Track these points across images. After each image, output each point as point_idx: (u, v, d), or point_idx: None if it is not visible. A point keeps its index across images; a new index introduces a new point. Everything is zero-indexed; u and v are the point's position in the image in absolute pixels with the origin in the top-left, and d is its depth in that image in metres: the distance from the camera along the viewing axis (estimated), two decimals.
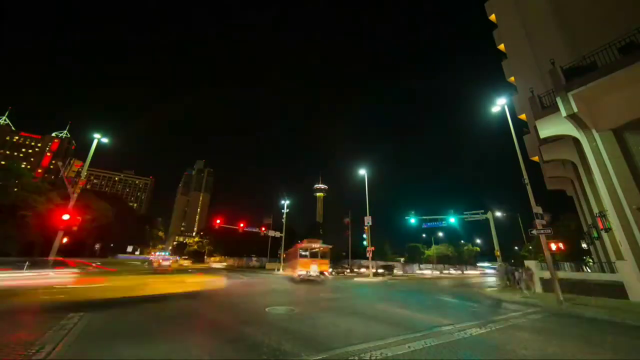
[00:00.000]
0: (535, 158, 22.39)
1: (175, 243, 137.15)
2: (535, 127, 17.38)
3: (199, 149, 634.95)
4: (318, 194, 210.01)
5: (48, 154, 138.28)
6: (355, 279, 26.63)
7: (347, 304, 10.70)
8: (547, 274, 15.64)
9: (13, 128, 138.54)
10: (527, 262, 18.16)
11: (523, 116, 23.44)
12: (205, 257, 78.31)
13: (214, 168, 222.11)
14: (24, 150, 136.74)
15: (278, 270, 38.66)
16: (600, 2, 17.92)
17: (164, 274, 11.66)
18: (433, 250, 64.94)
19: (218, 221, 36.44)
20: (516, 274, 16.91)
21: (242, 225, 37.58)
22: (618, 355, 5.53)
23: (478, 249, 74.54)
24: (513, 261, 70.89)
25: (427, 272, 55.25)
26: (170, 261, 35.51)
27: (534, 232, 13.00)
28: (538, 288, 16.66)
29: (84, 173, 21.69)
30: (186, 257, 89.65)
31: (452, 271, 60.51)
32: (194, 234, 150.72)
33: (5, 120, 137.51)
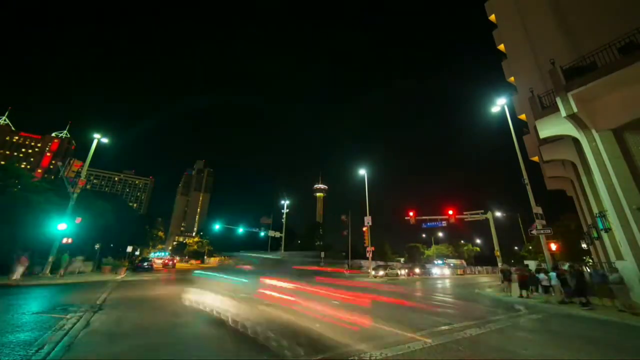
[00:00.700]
0: (535, 158, 22.39)
1: (175, 243, 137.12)
2: (535, 127, 17.37)
3: (199, 148, 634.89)
4: (318, 194, 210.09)
5: (48, 154, 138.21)
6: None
7: None
8: None
9: (13, 128, 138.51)
10: (526, 262, 18.20)
11: (523, 116, 23.43)
12: (205, 257, 78.36)
13: (213, 168, 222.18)
14: (24, 150, 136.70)
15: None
16: (600, 2, 17.91)
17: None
18: (433, 250, 64.95)
19: (217, 227, 36.39)
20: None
21: (242, 226, 37.59)
22: (619, 356, 5.53)
23: (478, 249, 74.56)
24: (513, 261, 71.07)
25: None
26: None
27: (534, 232, 13.02)
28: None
29: (84, 173, 21.71)
30: (187, 257, 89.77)
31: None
32: (194, 234, 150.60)
33: (5, 120, 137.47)
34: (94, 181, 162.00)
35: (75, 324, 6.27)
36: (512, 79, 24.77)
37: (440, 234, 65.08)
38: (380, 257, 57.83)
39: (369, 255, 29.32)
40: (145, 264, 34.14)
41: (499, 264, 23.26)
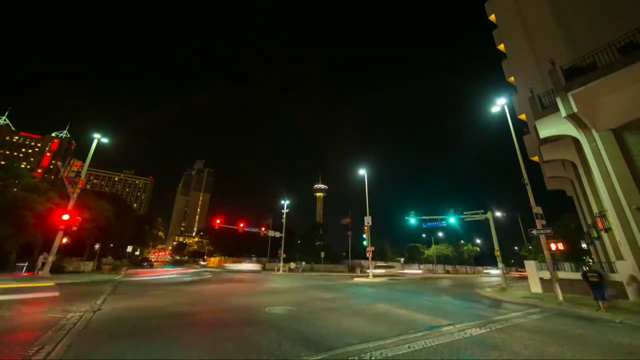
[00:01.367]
0: (535, 158, 22.41)
1: (175, 243, 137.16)
2: (535, 127, 17.38)
3: (199, 148, 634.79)
4: (318, 194, 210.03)
5: (48, 154, 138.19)
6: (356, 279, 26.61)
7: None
8: (547, 274, 15.66)
9: (13, 128, 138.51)
10: (526, 262, 18.19)
11: (523, 116, 23.44)
12: (205, 257, 78.31)
13: (213, 168, 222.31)
14: (24, 150, 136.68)
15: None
16: (600, 2, 17.92)
17: None
18: (433, 250, 64.89)
19: (218, 221, 36.39)
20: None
21: (241, 225, 37.54)
22: (619, 356, 5.52)
23: (478, 249, 74.51)
24: (513, 261, 71.08)
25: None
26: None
27: (534, 232, 13.02)
28: (537, 288, 16.67)
29: (83, 173, 21.69)
30: (186, 257, 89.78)
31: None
32: (194, 234, 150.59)
33: (5, 120, 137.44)
34: (94, 181, 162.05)
35: (75, 323, 6.27)
36: (512, 79, 24.78)
37: (440, 234, 65.10)
38: (381, 257, 57.84)
39: (369, 255, 29.31)
40: (145, 264, 34.15)
41: (499, 264, 23.26)
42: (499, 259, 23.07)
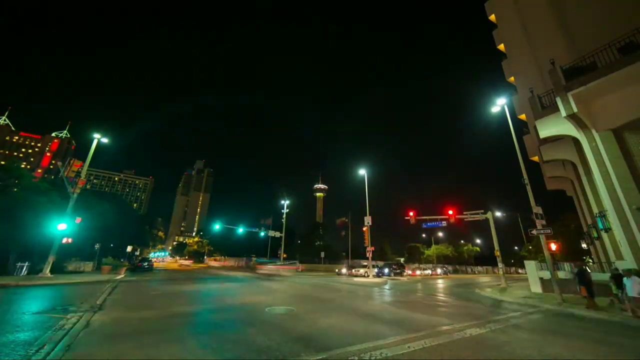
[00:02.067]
0: (535, 158, 22.39)
1: (175, 243, 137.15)
2: (535, 127, 17.37)
3: (199, 148, 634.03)
4: (318, 194, 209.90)
5: (48, 154, 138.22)
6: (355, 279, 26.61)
7: None
8: (547, 274, 15.66)
9: (13, 128, 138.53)
10: (526, 262, 18.18)
11: (523, 116, 23.43)
12: (205, 257, 78.34)
13: (213, 168, 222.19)
14: (24, 150, 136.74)
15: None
16: (600, 2, 17.91)
17: None
18: (433, 250, 64.91)
19: (217, 227, 36.29)
20: None
21: (242, 226, 37.55)
22: (619, 355, 5.52)
23: (478, 249, 74.52)
24: (513, 261, 71.02)
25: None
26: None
27: (534, 232, 13.02)
28: (537, 288, 16.66)
29: (83, 173, 21.69)
30: (186, 257, 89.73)
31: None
32: (193, 234, 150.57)
33: (5, 120, 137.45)
34: (94, 181, 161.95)
35: (75, 323, 6.27)
36: (512, 79, 24.76)
37: (440, 234, 65.12)
38: (381, 257, 57.80)
39: (369, 255, 29.32)
40: (146, 264, 34.07)
41: (499, 264, 23.26)
42: (499, 259, 23.08)
